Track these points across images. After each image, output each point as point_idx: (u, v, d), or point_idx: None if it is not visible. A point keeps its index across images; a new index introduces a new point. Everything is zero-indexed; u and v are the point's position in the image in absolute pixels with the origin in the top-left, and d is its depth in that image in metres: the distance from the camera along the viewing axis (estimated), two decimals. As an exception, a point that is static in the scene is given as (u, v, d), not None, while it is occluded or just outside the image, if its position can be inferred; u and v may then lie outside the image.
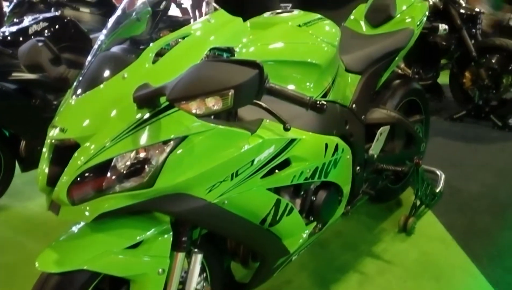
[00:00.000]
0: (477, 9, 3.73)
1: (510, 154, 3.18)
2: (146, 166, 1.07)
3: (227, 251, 1.56)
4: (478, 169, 2.97)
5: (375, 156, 1.96)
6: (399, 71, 2.40)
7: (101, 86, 1.13)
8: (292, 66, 1.45)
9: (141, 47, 1.25)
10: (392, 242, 2.23)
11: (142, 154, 1.07)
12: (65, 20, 2.90)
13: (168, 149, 1.07)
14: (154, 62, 1.15)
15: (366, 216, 2.48)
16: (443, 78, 4.05)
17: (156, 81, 1.05)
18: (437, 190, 2.54)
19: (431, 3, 3.66)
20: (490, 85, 3.57)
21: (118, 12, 1.34)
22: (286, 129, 1.19)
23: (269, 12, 1.64)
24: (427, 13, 2.22)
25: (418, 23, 2.12)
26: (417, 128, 2.42)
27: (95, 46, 1.28)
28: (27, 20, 2.81)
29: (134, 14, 1.38)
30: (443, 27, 2.79)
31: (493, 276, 1.94)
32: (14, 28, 2.75)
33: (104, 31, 1.30)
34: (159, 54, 1.17)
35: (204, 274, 1.42)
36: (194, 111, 0.91)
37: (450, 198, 2.61)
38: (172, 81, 0.94)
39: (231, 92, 0.87)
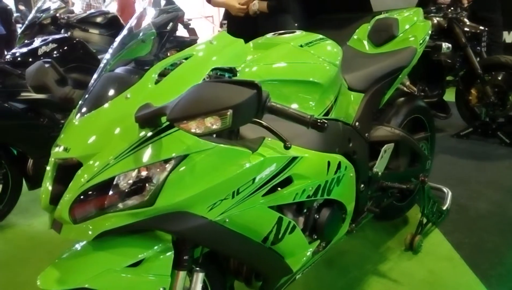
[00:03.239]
0: (481, 27, 3.74)
1: (518, 171, 3.15)
2: (147, 185, 1.08)
3: (230, 270, 1.56)
4: (485, 186, 2.94)
5: (380, 173, 1.96)
6: (405, 88, 2.41)
7: (105, 106, 1.16)
8: (294, 85, 1.46)
9: (146, 68, 1.28)
10: (398, 260, 2.21)
11: (143, 173, 1.09)
12: (74, 41, 2.97)
13: (169, 167, 1.08)
14: (157, 82, 1.18)
15: (372, 234, 2.46)
16: (449, 96, 4.05)
17: (158, 101, 1.07)
18: (444, 208, 2.51)
19: (435, 21, 3.69)
20: (496, 102, 3.56)
21: (124, 32, 1.37)
22: (287, 148, 1.20)
23: (272, 33, 1.67)
24: (430, 31, 2.24)
25: (421, 41, 2.14)
26: (422, 145, 2.42)
27: (100, 67, 1.31)
28: (37, 41, 2.88)
29: (139, 35, 1.41)
30: (446, 45, 2.80)
31: (502, 296, 1.91)
32: (23, 49, 2.82)
33: (110, 51, 1.33)
34: (163, 75, 1.20)
35: (206, 293, 1.41)
36: (193, 130, 0.92)
37: (458, 216, 2.57)
38: (172, 101, 0.96)
39: (230, 112, 0.88)
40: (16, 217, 2.87)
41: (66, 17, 4.04)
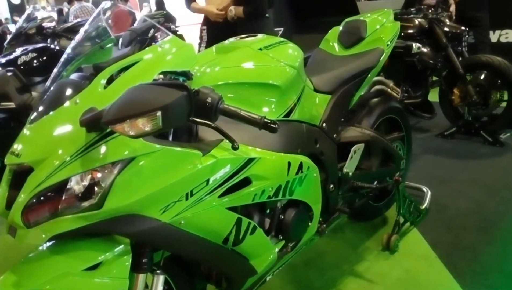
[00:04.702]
0: (462, 27, 3.77)
1: (500, 170, 3.16)
2: (96, 188, 1.10)
3: (200, 273, 1.57)
4: (467, 185, 2.95)
5: (350, 174, 1.97)
6: (388, 90, 2.42)
7: (55, 111, 1.18)
8: (252, 87, 1.48)
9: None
10: (375, 260, 2.22)
11: (93, 176, 1.11)
12: (55, 50, 3.00)
13: (116, 170, 1.09)
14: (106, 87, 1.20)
15: (351, 235, 2.47)
16: (435, 96, 4.07)
17: (105, 105, 1.09)
18: (423, 207, 2.53)
19: (416, 22, 3.71)
20: (479, 101, 3.57)
21: (79, 38, 1.39)
22: (234, 148, 1.22)
23: (234, 37, 1.70)
24: (398, 32, 2.27)
25: (389, 42, 2.16)
26: (397, 145, 2.43)
27: (53, 73, 1.33)
28: (17, 51, 2.91)
29: (98, 41, 1.44)
30: (416, 45, 2.82)
31: (475, 293, 1.92)
32: (4, 59, 2.85)
33: (63, 57, 1.35)
34: (113, 80, 1.22)
35: (170, 295, 1.42)
36: (128, 132, 0.94)
37: (437, 215, 2.59)
38: (109, 104, 0.98)
39: (159, 113, 0.90)
40: (1, 227, 2.88)
41: (52, 27, 4.08)
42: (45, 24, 4.15)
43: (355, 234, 2.48)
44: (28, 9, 4.39)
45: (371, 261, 2.22)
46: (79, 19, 4.89)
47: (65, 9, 9.70)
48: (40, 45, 3.23)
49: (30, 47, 2.94)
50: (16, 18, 10.13)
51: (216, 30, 2.95)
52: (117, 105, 0.94)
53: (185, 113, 0.97)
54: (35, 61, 2.83)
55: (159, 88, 0.94)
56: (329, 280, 2.10)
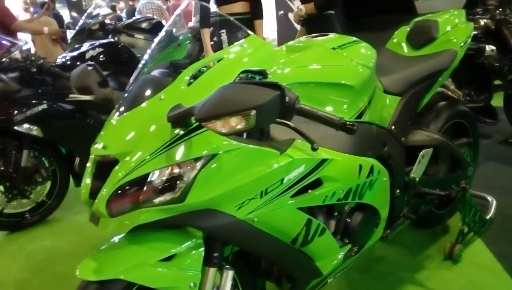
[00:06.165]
0: (533, 29, 3.56)
1: None
2: (178, 182, 1.12)
3: (261, 270, 1.57)
4: (534, 196, 2.79)
5: (417, 179, 1.91)
6: (449, 93, 2.33)
7: (140, 106, 1.21)
8: (326, 87, 1.46)
9: (181, 70, 1.32)
10: (436, 269, 2.14)
11: (175, 170, 1.13)
12: (119, 46, 3.10)
13: (198, 166, 1.12)
14: (189, 84, 1.22)
15: (410, 242, 2.40)
16: (498, 100, 3.88)
17: (190, 102, 1.11)
18: (488, 217, 2.41)
19: (482, 23, 3.55)
20: (547, 107, 3.37)
21: (161, 36, 1.42)
22: (314, 149, 1.20)
23: (305, 36, 1.68)
24: (472, 34, 2.16)
25: (462, 44, 2.07)
26: (465, 151, 2.33)
27: (138, 68, 1.37)
28: (85, 46, 3.03)
29: (176, 39, 1.47)
30: (490, 47, 2.69)
31: (546, 310, 1.82)
32: (72, 54, 2.98)
33: (147, 54, 1.39)
34: (195, 77, 1.24)
35: (236, 291, 1.44)
36: (219, 130, 0.95)
37: (503, 226, 2.46)
38: (200, 102, 0.99)
39: (253, 112, 0.90)
40: (63, 212, 3.03)
41: (113, 23, 4.22)
42: (107, 21, 4.31)
43: (414, 241, 2.40)
44: (91, 7, 4.57)
45: (432, 270, 2.14)
46: (138, 16, 5.05)
47: (120, 5, 10.03)
48: (106, 40, 3.35)
49: (96, 42, 3.06)
50: (73, 13, 10.58)
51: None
52: (211, 102, 0.95)
53: (276, 113, 0.98)
54: (101, 56, 2.94)
55: (254, 87, 0.95)
56: (387, 286, 2.05)
